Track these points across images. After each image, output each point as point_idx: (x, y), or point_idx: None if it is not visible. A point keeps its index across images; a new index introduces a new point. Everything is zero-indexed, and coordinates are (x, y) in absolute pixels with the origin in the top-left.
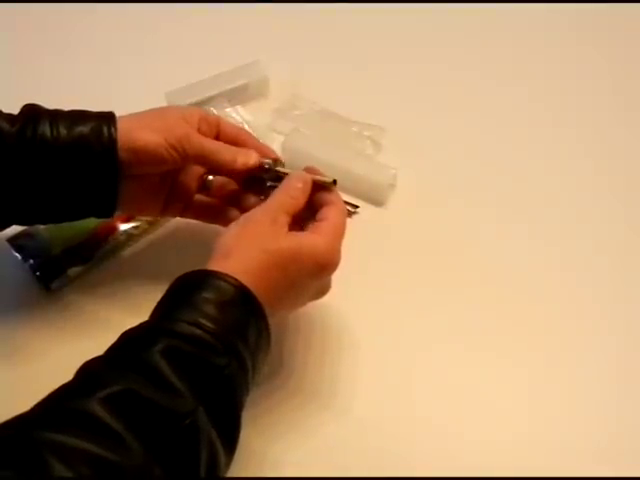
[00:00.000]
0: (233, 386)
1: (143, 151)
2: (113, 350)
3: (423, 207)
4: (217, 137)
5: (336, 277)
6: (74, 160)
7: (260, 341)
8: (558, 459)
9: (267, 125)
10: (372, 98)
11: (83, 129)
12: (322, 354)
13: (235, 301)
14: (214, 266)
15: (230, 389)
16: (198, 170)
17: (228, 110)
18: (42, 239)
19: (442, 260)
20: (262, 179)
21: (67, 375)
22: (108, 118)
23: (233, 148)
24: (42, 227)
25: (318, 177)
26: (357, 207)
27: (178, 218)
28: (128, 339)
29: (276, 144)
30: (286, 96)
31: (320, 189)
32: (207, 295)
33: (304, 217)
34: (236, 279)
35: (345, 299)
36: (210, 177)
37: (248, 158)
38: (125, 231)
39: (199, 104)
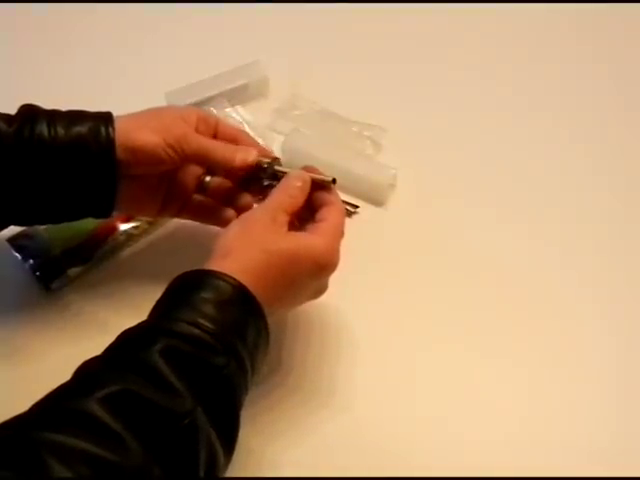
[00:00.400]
0: (232, 386)
1: (141, 151)
2: (111, 350)
3: (423, 207)
4: (215, 137)
5: (336, 277)
6: (72, 160)
7: (259, 341)
8: (558, 459)
9: (267, 125)
10: (372, 98)
11: (81, 129)
12: (321, 353)
13: (234, 301)
14: (213, 265)
15: (229, 389)
16: (196, 170)
17: (228, 110)
18: (42, 239)
19: (442, 260)
20: (259, 179)
21: (67, 375)
22: (106, 118)
23: (232, 146)
24: (42, 227)
25: (317, 176)
26: (357, 207)
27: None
28: (126, 339)
29: (276, 144)
30: (286, 96)
31: (319, 188)
32: (206, 295)
33: (303, 216)
34: (235, 279)
35: (344, 298)
36: (207, 178)
37: (247, 155)
38: (125, 231)
39: (199, 104)
